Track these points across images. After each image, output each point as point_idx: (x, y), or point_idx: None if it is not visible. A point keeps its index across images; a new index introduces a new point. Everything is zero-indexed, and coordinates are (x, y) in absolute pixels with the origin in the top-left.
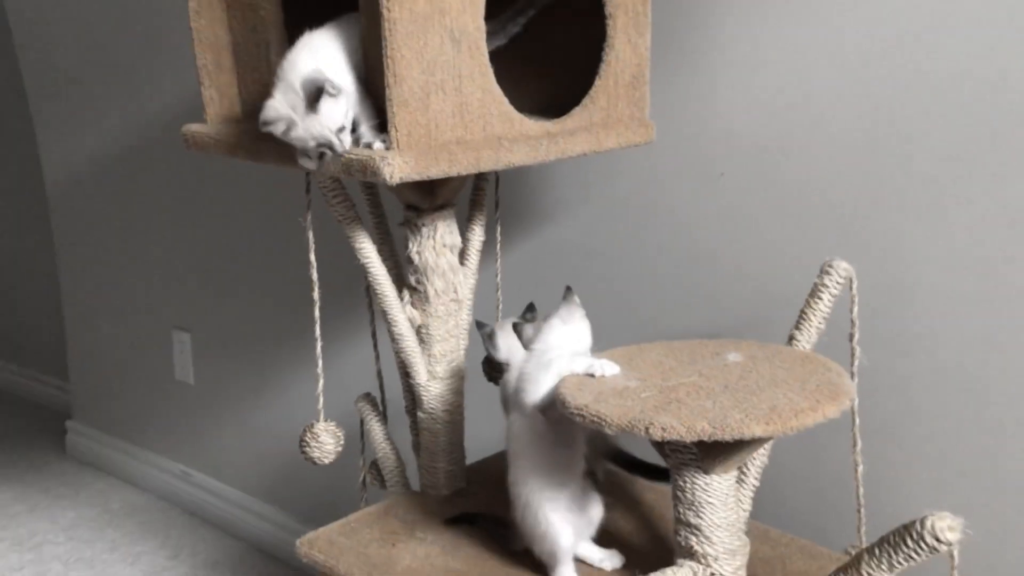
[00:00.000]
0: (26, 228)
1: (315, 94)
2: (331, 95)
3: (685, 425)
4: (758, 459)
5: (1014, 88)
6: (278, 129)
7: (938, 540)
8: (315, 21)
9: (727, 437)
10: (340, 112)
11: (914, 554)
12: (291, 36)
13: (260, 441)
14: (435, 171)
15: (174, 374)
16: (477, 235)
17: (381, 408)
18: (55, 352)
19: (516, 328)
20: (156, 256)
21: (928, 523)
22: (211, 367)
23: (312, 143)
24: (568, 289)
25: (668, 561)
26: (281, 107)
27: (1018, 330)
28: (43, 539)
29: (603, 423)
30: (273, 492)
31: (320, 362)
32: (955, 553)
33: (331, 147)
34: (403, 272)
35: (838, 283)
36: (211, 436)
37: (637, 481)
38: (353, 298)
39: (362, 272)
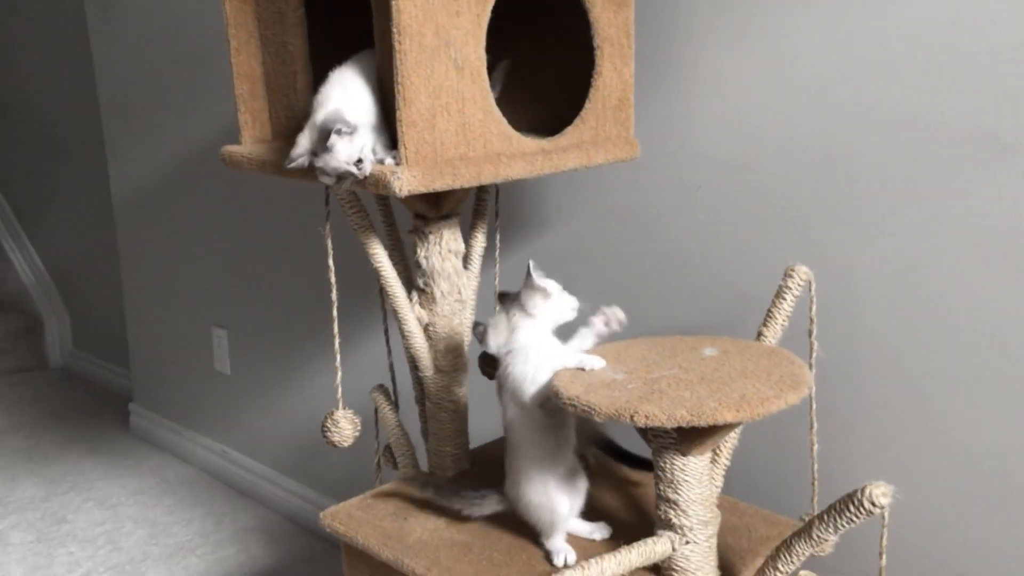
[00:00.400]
0: (96, 238)
1: (325, 136)
2: (345, 133)
3: (666, 413)
4: (730, 441)
5: (946, 120)
6: (303, 163)
7: (873, 504)
8: (337, 53)
9: (703, 423)
10: (356, 147)
11: (854, 517)
12: (315, 66)
13: (288, 424)
14: (440, 184)
15: (214, 365)
16: (479, 241)
17: (393, 398)
18: (120, 344)
19: (476, 331)
20: (200, 262)
21: (866, 491)
22: (245, 359)
23: (332, 174)
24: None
25: (650, 532)
26: (302, 145)
27: (946, 326)
28: (116, 501)
29: (593, 412)
30: (300, 469)
31: (338, 357)
32: (886, 515)
33: (350, 174)
34: (412, 275)
35: (799, 285)
36: (246, 420)
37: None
38: (369, 299)
39: (375, 275)
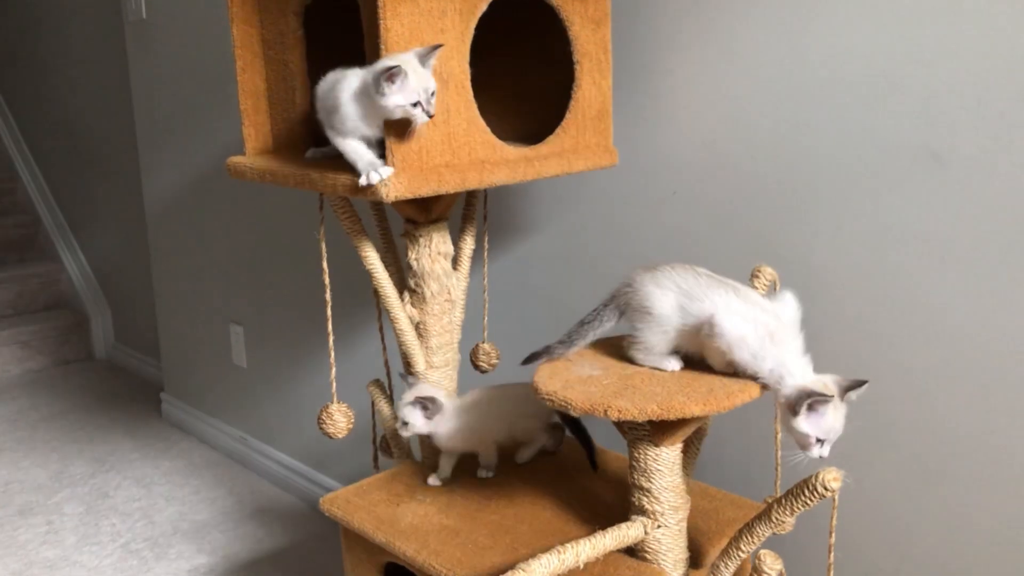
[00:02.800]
0: (133, 242)
1: (383, 74)
2: (399, 75)
3: (637, 407)
4: (701, 432)
5: (890, 135)
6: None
7: (826, 489)
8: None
9: (672, 416)
10: (410, 90)
11: (809, 500)
12: (313, 83)
13: (299, 414)
14: (426, 190)
15: (232, 359)
16: (468, 244)
17: (388, 392)
18: (152, 337)
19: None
20: (220, 264)
21: (820, 476)
22: (260, 354)
23: (394, 112)
24: None
25: (625, 517)
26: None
27: (896, 321)
28: (151, 480)
29: (569, 406)
30: (310, 455)
31: (332, 354)
32: (836, 498)
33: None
34: (404, 276)
35: (765, 285)
36: (261, 409)
37: (606, 452)
38: (369, 298)
39: (369, 277)
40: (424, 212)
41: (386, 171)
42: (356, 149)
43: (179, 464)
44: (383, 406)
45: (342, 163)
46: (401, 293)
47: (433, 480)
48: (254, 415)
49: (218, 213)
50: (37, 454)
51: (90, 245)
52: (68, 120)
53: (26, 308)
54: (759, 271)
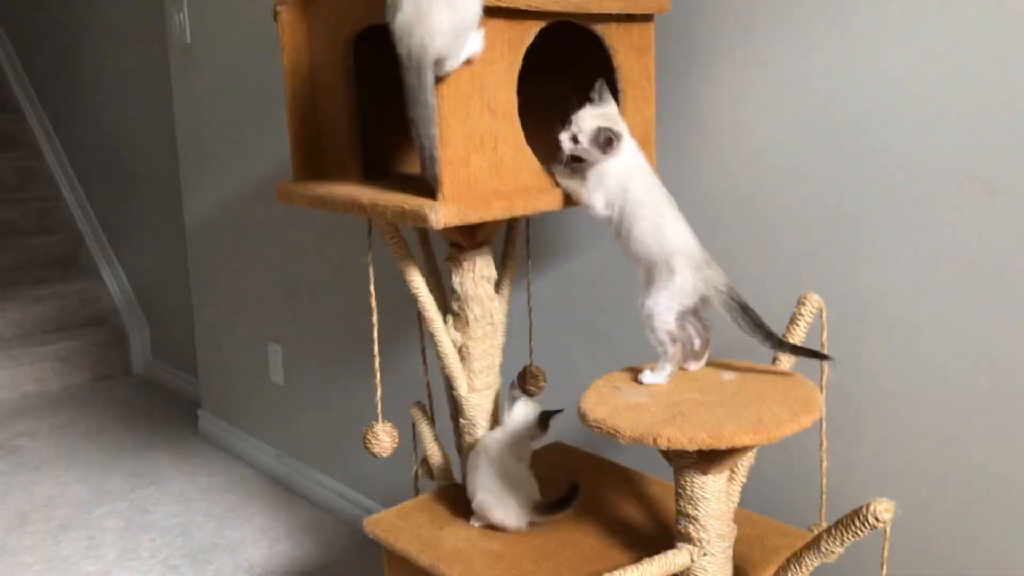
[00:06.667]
0: (173, 260)
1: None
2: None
3: (687, 436)
4: (747, 459)
5: (939, 162)
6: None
7: (877, 520)
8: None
9: (722, 446)
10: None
11: (859, 532)
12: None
13: (336, 433)
14: (474, 217)
15: (269, 377)
16: (511, 268)
17: (430, 414)
18: (191, 355)
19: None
20: (258, 283)
21: (871, 507)
22: (297, 372)
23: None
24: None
25: (669, 544)
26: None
27: (943, 350)
28: (188, 496)
29: (618, 434)
30: (346, 473)
31: (378, 375)
32: (887, 529)
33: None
34: (448, 300)
35: (811, 312)
36: (297, 427)
37: (645, 477)
38: (409, 319)
39: (413, 300)
40: (469, 237)
41: None
42: None
43: (216, 481)
44: (424, 428)
45: (391, 189)
46: (444, 316)
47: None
48: (291, 433)
49: (257, 232)
50: (78, 469)
51: (130, 262)
52: (111, 140)
53: (67, 324)
54: (805, 298)
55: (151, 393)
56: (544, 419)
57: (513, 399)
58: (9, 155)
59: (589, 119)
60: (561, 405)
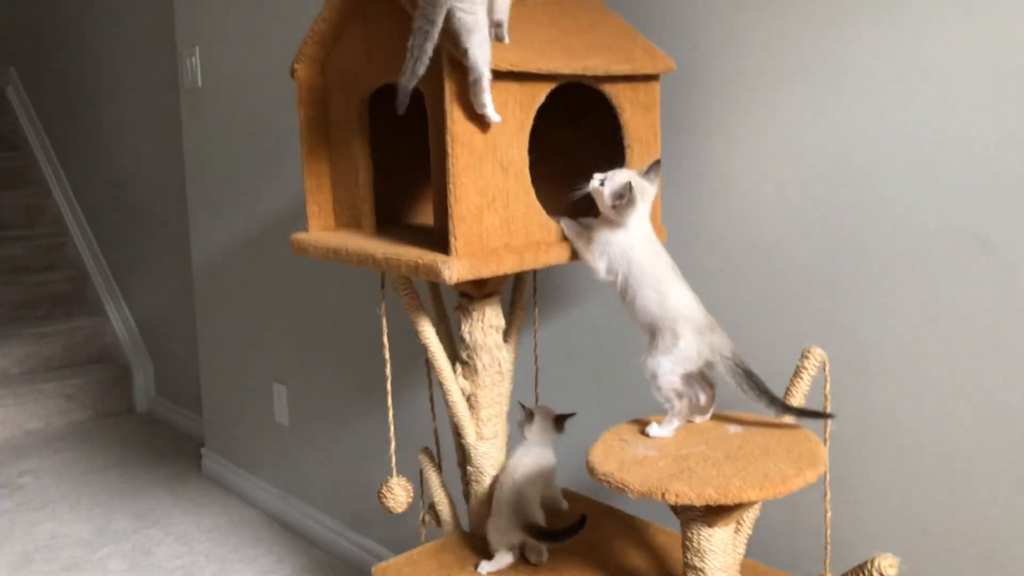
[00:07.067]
0: (178, 299)
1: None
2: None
3: (695, 491)
4: (752, 512)
5: (937, 219)
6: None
7: (881, 574)
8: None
9: (729, 502)
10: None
11: None
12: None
13: (340, 474)
14: (486, 272)
15: (274, 417)
16: (518, 317)
17: (437, 460)
18: (195, 393)
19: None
20: (264, 324)
21: (876, 562)
22: (302, 413)
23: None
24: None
25: None
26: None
27: (944, 403)
28: (192, 537)
29: (626, 489)
30: (350, 515)
31: (391, 428)
32: None
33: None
34: (456, 348)
35: (815, 365)
36: (302, 468)
37: (651, 526)
38: (413, 362)
39: (423, 349)
40: (478, 287)
41: None
42: None
43: (220, 521)
44: (431, 475)
45: (404, 243)
46: (453, 365)
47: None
48: (295, 474)
49: (265, 273)
50: (81, 508)
51: (135, 300)
52: (119, 179)
53: (72, 361)
54: (808, 352)
55: (154, 431)
56: (560, 421)
57: (528, 416)
58: (17, 192)
59: (626, 175)
60: (567, 454)
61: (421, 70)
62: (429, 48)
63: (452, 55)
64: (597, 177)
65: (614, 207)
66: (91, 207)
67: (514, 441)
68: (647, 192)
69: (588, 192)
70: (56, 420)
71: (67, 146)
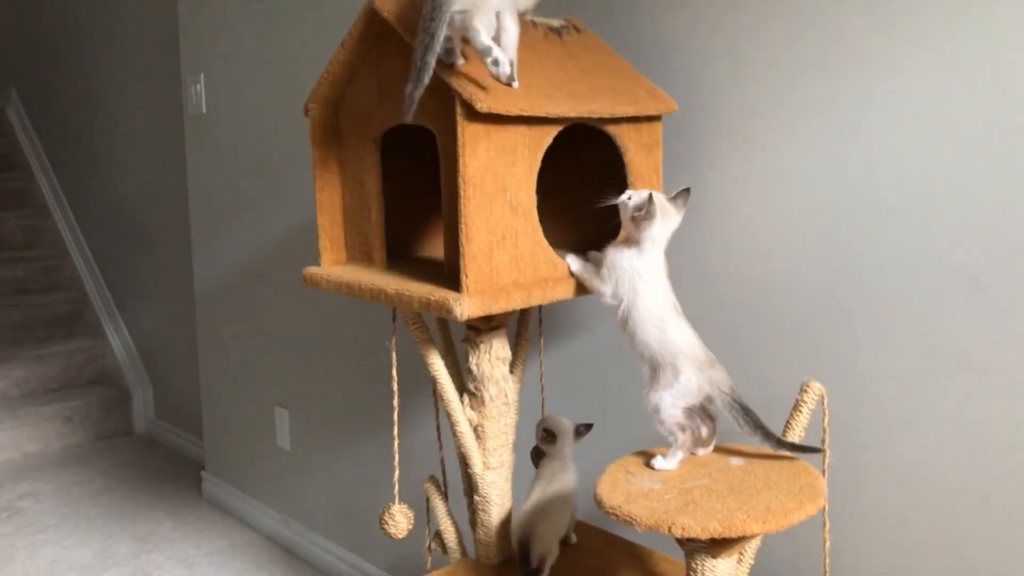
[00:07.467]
0: (179, 322)
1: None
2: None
3: (700, 525)
4: (754, 543)
5: (932, 259)
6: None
7: None
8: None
9: (733, 535)
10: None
11: None
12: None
13: (342, 498)
14: (496, 308)
15: (276, 441)
16: (523, 349)
17: (443, 489)
18: (194, 415)
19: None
20: (267, 349)
21: None
22: (304, 437)
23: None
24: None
25: None
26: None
27: (939, 437)
28: (192, 561)
29: (633, 523)
30: (352, 540)
31: (396, 456)
32: None
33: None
34: (464, 379)
35: (813, 399)
36: (303, 492)
37: (654, 554)
38: (418, 389)
39: (431, 380)
40: (486, 320)
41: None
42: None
43: (220, 545)
44: (438, 503)
45: (416, 279)
46: (460, 396)
47: None
48: (297, 498)
49: (269, 299)
50: (81, 532)
51: (134, 322)
52: (120, 201)
53: (71, 383)
54: (807, 387)
55: (153, 453)
56: (579, 432)
57: (548, 437)
58: (17, 213)
59: (650, 190)
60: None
61: (426, 79)
62: (431, 59)
63: (465, 100)
64: (627, 192)
65: (633, 218)
66: (91, 229)
67: (520, 471)
68: (669, 212)
69: (601, 207)
70: (55, 442)
71: (67, 167)
